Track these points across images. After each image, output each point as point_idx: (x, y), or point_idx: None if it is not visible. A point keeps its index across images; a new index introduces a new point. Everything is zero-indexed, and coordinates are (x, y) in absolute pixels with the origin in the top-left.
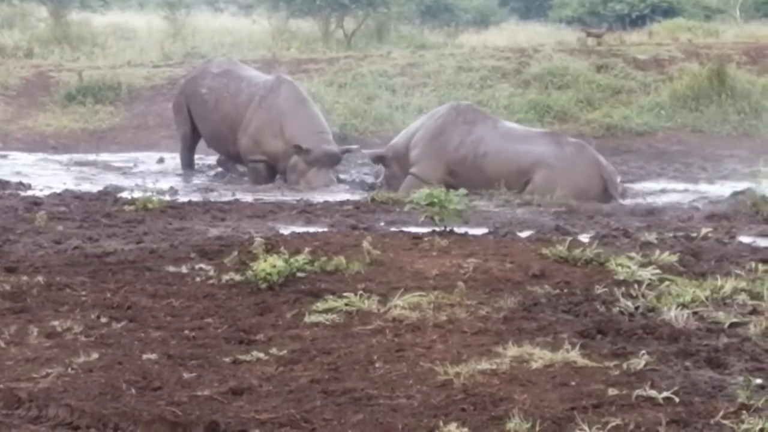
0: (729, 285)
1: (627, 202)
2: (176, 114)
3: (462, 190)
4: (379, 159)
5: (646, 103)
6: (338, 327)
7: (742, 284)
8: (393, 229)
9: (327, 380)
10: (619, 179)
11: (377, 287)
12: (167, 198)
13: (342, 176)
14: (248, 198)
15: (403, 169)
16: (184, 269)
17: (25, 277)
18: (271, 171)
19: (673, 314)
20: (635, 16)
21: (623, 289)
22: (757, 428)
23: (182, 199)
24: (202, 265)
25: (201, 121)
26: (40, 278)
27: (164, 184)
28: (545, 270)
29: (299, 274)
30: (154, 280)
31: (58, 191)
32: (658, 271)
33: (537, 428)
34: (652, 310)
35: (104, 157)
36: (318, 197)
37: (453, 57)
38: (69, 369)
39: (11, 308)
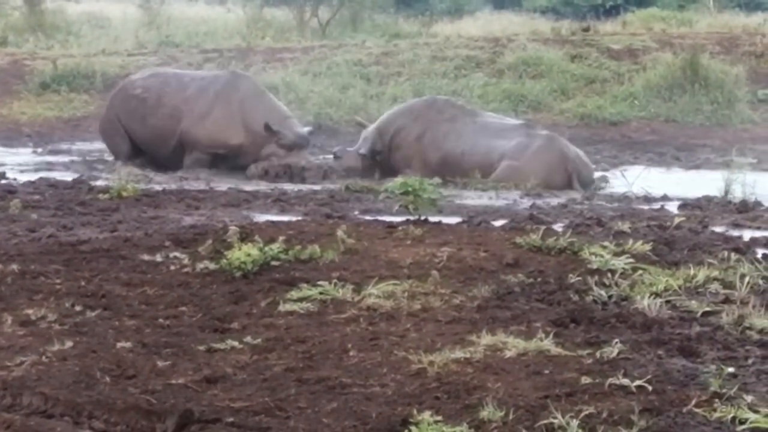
0: (702, 274)
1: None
2: (110, 137)
3: (436, 179)
4: (372, 153)
5: (620, 93)
6: (312, 315)
7: (715, 273)
8: (367, 217)
9: (301, 368)
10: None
11: (351, 276)
12: (142, 186)
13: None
14: (222, 186)
15: (387, 161)
16: (158, 258)
17: None
18: (214, 161)
19: (646, 303)
20: (609, 6)
21: (597, 278)
22: (729, 416)
23: (156, 187)
24: (177, 254)
25: (140, 121)
26: (14, 266)
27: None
28: (519, 259)
29: (274, 263)
30: (129, 269)
31: (33, 179)
32: (631, 260)
33: (510, 416)
34: (625, 299)
35: (79, 145)
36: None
37: (427, 46)
38: (43, 357)
39: None
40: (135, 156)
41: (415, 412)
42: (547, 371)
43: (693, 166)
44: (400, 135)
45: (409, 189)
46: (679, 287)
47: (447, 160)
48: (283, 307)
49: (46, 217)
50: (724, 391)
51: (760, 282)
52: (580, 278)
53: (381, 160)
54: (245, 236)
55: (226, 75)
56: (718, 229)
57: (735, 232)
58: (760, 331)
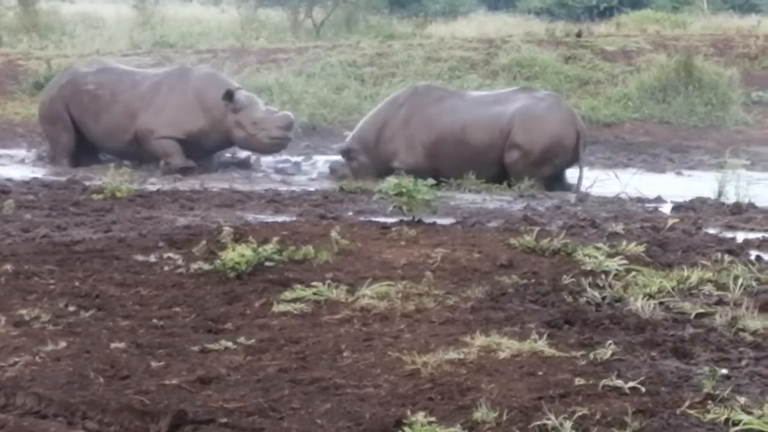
0: (695, 275)
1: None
2: (52, 124)
3: (430, 180)
4: (346, 152)
5: (614, 95)
6: (306, 316)
7: (708, 275)
8: (361, 218)
9: (295, 369)
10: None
11: (345, 277)
12: (136, 187)
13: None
14: (217, 187)
15: (375, 161)
16: (152, 258)
17: None
18: (185, 150)
19: (639, 304)
20: (603, 8)
21: (590, 279)
22: (723, 418)
23: (151, 188)
24: (171, 254)
25: (93, 117)
26: (8, 267)
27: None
28: (513, 260)
29: (267, 264)
30: (123, 269)
31: (26, 179)
32: (625, 261)
33: (504, 417)
34: (618, 301)
35: None
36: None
37: (422, 47)
38: (37, 357)
39: None
40: (72, 148)
41: (408, 412)
42: (540, 372)
43: (687, 167)
44: (386, 128)
45: (403, 190)
46: (673, 289)
47: (445, 139)
48: (277, 308)
49: (40, 218)
50: (717, 392)
51: (754, 284)
52: (573, 279)
53: (360, 166)
54: (239, 237)
55: (176, 70)
56: (712, 231)
57: (728, 234)
58: (754, 333)
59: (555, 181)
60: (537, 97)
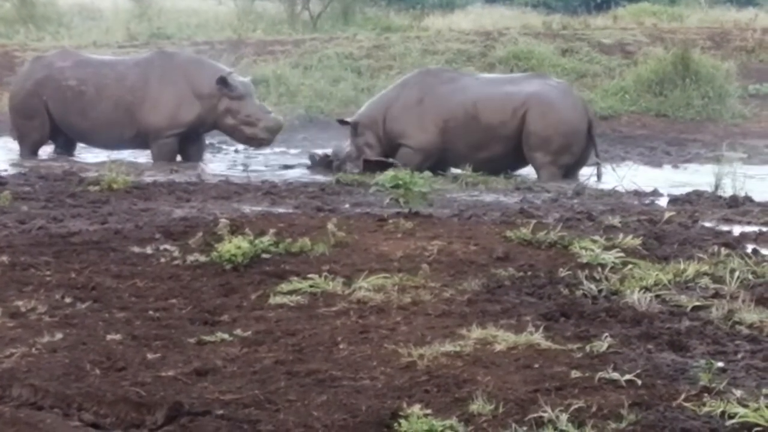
0: (691, 268)
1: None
2: (27, 118)
3: (427, 173)
4: (354, 126)
5: (611, 87)
6: (303, 308)
7: (705, 268)
8: (358, 210)
9: (291, 361)
10: None
11: (342, 269)
12: (132, 178)
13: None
14: (213, 179)
15: (381, 139)
16: (148, 250)
17: None
18: (179, 146)
19: (636, 297)
20: (600, 0)
21: (587, 272)
22: (719, 411)
23: (147, 179)
24: (167, 246)
25: (79, 114)
26: (4, 258)
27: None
28: (509, 253)
29: (264, 256)
30: (119, 261)
31: (23, 171)
32: (621, 254)
33: (500, 410)
34: (615, 293)
35: None
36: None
37: (419, 40)
38: (33, 349)
39: None
40: (42, 144)
41: (404, 405)
42: (536, 365)
43: (683, 160)
44: (396, 105)
45: (400, 182)
46: (669, 282)
47: (457, 117)
48: (274, 300)
49: (37, 209)
50: (713, 385)
51: (750, 277)
52: (570, 272)
53: (365, 143)
54: (236, 229)
55: (156, 57)
56: (708, 224)
57: (725, 227)
58: (750, 326)
59: (571, 177)
60: (548, 83)
